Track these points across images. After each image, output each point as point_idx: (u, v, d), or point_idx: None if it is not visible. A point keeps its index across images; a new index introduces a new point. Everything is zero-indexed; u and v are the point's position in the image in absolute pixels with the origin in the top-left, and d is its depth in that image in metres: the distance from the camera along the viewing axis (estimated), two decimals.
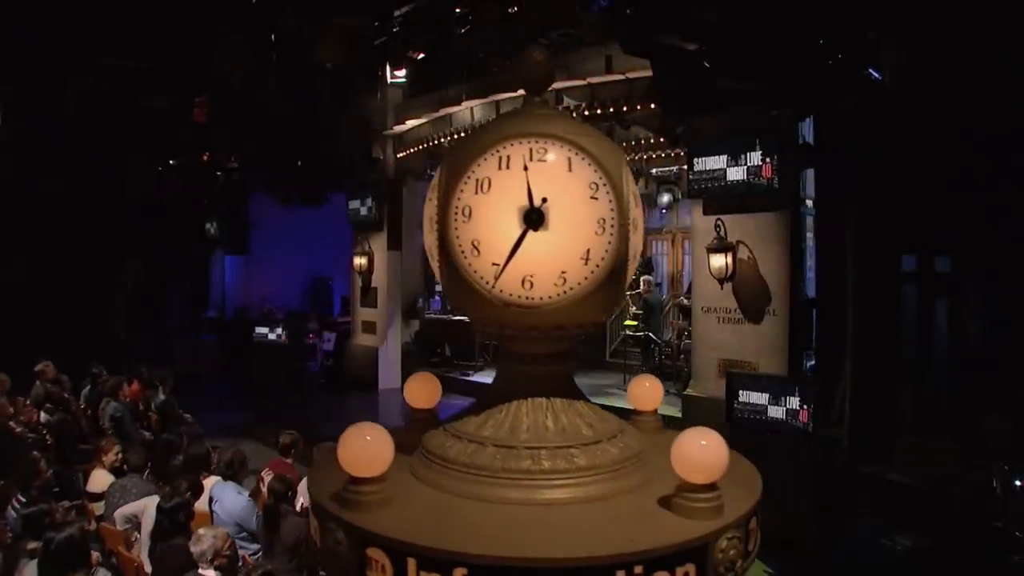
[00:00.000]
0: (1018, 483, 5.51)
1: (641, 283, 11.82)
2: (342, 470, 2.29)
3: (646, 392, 3.28)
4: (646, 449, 2.68)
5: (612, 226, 2.41)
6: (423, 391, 3.19)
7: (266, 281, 16.44)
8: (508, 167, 2.37)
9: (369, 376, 12.97)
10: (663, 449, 2.42)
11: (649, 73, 8.66)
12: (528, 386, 2.62)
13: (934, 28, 6.63)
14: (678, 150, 10.65)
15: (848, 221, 7.76)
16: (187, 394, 10.34)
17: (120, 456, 6.51)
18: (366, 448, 2.26)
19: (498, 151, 2.40)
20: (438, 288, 14.86)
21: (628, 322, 11.47)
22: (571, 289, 2.41)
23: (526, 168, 2.35)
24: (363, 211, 13.10)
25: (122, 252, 13.78)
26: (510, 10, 9.20)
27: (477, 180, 2.38)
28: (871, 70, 6.56)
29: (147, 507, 5.27)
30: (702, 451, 2.30)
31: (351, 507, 2.25)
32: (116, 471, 6.38)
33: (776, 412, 7.20)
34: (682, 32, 5.94)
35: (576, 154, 2.41)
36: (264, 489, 6.10)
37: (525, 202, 2.33)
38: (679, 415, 9.50)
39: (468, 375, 12.88)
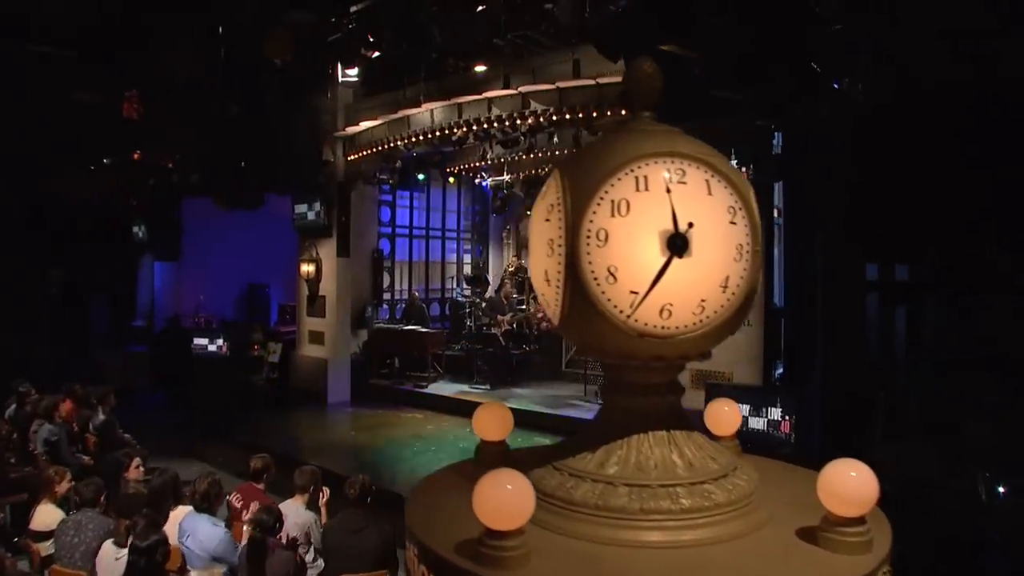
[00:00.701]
0: (1002, 490, 5.72)
1: None
2: (444, 513, 2.08)
3: (725, 416, 3.18)
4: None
5: (748, 252, 2.30)
6: (494, 422, 3.00)
7: (199, 288, 15.55)
8: (647, 188, 2.22)
9: (318, 389, 12.44)
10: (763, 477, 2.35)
11: (618, 79, 8.67)
12: (648, 419, 2.47)
13: (904, 46, 6.89)
14: None
15: (817, 231, 7.97)
16: (116, 411, 9.61)
17: (72, 487, 5.92)
18: (508, 499, 2.05)
19: (633, 171, 2.24)
20: (387, 296, 14.49)
21: None
22: (708, 318, 2.28)
23: (669, 190, 2.20)
24: (311, 216, 12.59)
25: (44, 259, 12.74)
26: (478, 8, 9.03)
27: (613, 202, 2.22)
28: (838, 83, 6.75)
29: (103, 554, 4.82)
30: (853, 483, 2.21)
31: (490, 564, 2.04)
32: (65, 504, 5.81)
33: (757, 423, 7.30)
34: (684, 40, 5.91)
35: (713, 176, 2.29)
36: (242, 519, 5.69)
37: (667, 226, 2.19)
38: None
39: (423, 387, 12.57)
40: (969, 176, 7.00)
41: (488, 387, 12.39)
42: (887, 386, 7.82)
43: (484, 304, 13.37)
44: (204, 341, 12.41)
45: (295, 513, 5.56)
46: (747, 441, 7.25)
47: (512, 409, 10.65)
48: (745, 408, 7.38)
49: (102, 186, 13.36)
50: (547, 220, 2.34)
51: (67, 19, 10.48)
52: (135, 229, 14.35)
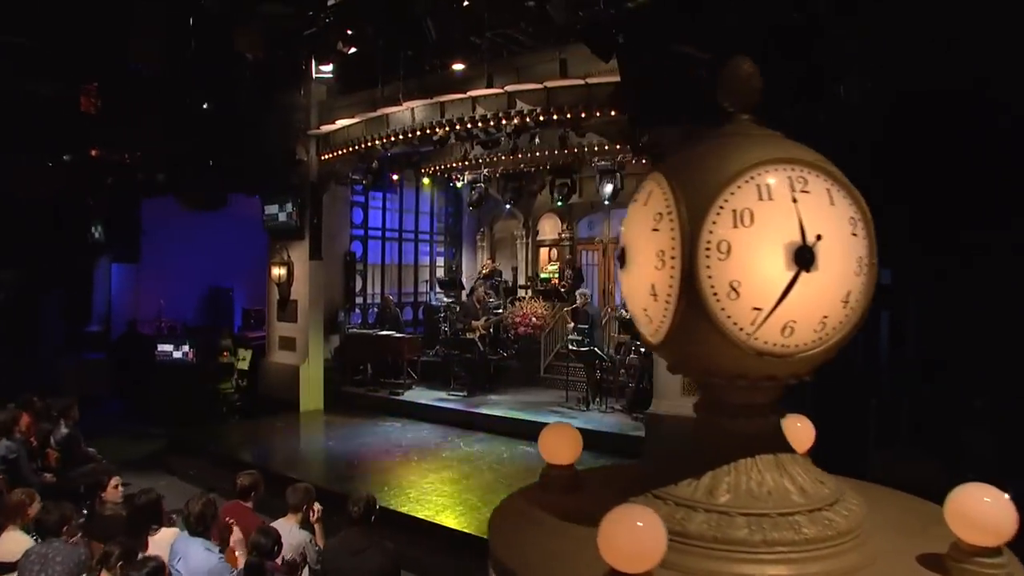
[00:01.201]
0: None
1: (578, 296, 11.73)
2: (543, 552, 1.88)
3: (797, 433, 3.03)
4: None
5: (867, 265, 2.16)
6: (564, 444, 2.81)
7: (159, 292, 14.90)
8: (771, 198, 2.06)
9: (289, 397, 12.03)
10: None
11: (609, 79, 8.60)
12: (754, 441, 2.30)
13: (898, 54, 6.95)
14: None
15: None
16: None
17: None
18: (639, 537, 1.86)
19: (753, 178, 2.08)
20: (359, 300, 14.13)
21: (572, 337, 11.31)
22: (827, 335, 2.13)
23: (795, 200, 2.05)
24: (282, 217, 12.17)
25: None
26: (464, 3, 8.82)
27: (735, 211, 2.05)
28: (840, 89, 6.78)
29: None
30: (989, 509, 2.07)
31: None
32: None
33: None
34: (699, 41, 5.82)
35: (833, 185, 2.14)
36: (231, 542, 5.36)
37: (794, 238, 2.03)
38: (637, 435, 9.49)
39: (398, 394, 12.27)
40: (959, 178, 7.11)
41: (465, 394, 12.15)
42: (878, 392, 7.89)
43: (458, 309, 13.14)
44: (169, 347, 11.87)
45: (289, 533, 5.27)
46: None
47: (493, 416, 10.51)
48: None
49: (56, 183, 12.69)
50: (656, 230, 2.16)
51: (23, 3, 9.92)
52: (92, 229, 13.66)
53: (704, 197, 2.08)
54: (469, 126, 9.75)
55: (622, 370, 11.48)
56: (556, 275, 14.69)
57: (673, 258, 2.10)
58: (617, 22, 7.34)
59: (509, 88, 9.27)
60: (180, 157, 11.36)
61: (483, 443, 10.13)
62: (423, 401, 11.91)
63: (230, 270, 16.19)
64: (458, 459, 9.40)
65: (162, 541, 5.14)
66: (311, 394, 12.15)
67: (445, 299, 14.54)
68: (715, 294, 2.05)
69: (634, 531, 1.86)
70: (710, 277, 2.05)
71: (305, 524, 5.50)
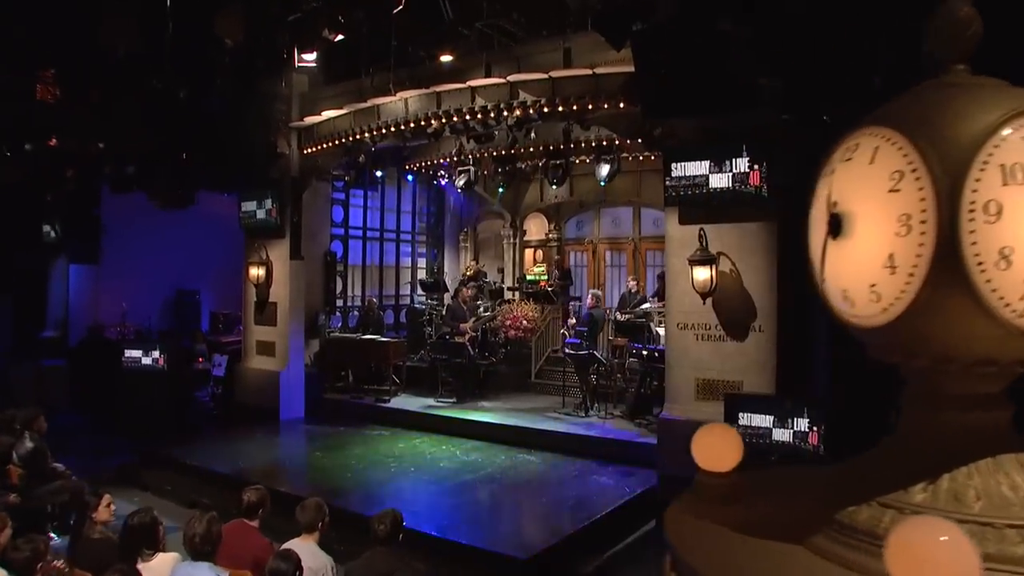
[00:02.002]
0: None
1: (590, 297, 11.31)
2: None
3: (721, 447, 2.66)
4: None
5: None
6: (722, 447, 2.37)
7: (121, 295, 14.00)
8: None
9: (268, 405, 11.32)
10: None
11: (619, 69, 8.22)
12: (990, 438, 1.88)
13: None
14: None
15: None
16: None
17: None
18: (951, 558, 1.42)
19: (1018, 129, 1.66)
20: (339, 303, 13.47)
21: (570, 340, 10.88)
22: None
23: None
24: (260, 214, 11.47)
25: None
26: None
27: (1003, 167, 1.63)
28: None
29: None
30: None
31: None
32: None
33: (782, 435, 6.91)
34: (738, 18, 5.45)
35: None
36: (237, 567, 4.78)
37: None
38: (644, 441, 9.11)
39: (385, 401, 11.67)
40: None
41: (454, 400, 11.62)
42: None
43: (444, 312, 12.59)
44: (137, 353, 11.05)
45: (311, 557, 4.70)
46: (771, 454, 6.93)
47: (488, 424, 9.91)
48: (768, 419, 7.00)
49: (9, 176, 11.76)
50: (895, 190, 1.72)
51: None
52: (46, 228, 12.71)
53: (962, 151, 1.65)
54: (468, 117, 9.24)
55: (618, 375, 11.07)
56: (543, 277, 14.25)
57: (923, 223, 1.66)
58: (638, 5, 6.97)
59: (512, 78, 8.81)
60: (152, 148, 10.57)
61: (480, 452, 9.61)
62: (412, 408, 11.32)
63: (197, 272, 15.39)
64: (456, 469, 8.87)
65: (159, 568, 4.53)
66: (292, 402, 11.47)
67: (429, 302, 13.98)
68: (980, 263, 1.62)
69: (944, 550, 1.42)
70: (975, 243, 1.62)
71: (323, 544, 4.94)
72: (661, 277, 12.96)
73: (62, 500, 7.02)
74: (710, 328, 8.09)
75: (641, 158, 12.69)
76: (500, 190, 14.12)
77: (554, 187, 12.91)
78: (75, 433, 10.77)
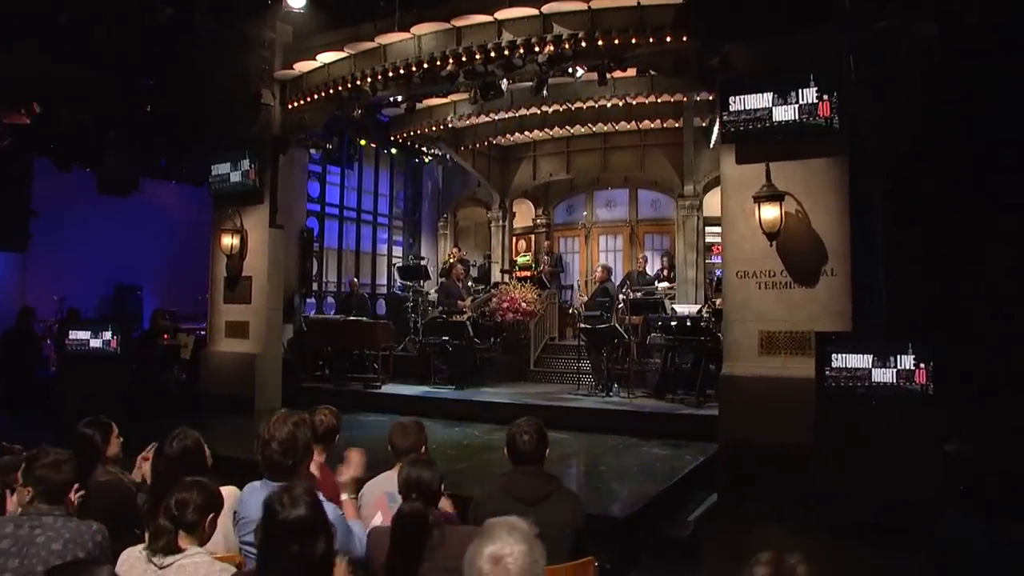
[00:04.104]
0: None
1: (599, 269, 10.45)
2: None
3: None
4: None
5: None
6: None
7: (52, 287, 12.22)
8: None
9: (241, 393, 9.83)
10: None
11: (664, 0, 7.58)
12: None
13: None
14: None
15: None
16: None
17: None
18: None
19: None
20: (314, 286, 12.12)
21: (588, 313, 9.96)
22: None
23: None
24: (235, 177, 10.11)
25: None
26: None
27: None
28: None
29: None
30: None
31: None
32: None
33: (884, 375, 6.17)
34: None
35: None
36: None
37: None
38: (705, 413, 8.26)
39: (376, 388, 10.39)
40: None
41: (453, 387, 10.46)
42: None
43: (438, 291, 11.45)
44: (85, 335, 9.37)
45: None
46: (871, 398, 6.19)
47: (501, 404, 8.68)
48: (867, 359, 6.26)
49: None
50: None
51: None
52: None
53: None
54: (493, 54, 8.32)
55: (631, 355, 10.16)
56: (531, 266, 13.34)
57: None
58: None
59: (546, 8, 7.97)
60: (113, 95, 9.15)
61: (501, 432, 8.45)
62: (411, 393, 10.09)
63: (139, 265, 13.82)
64: (484, 447, 7.75)
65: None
66: (268, 389, 10.03)
67: (407, 289, 12.80)
68: None
69: None
70: None
71: None
72: (667, 255, 12.35)
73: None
74: (774, 275, 7.35)
75: (644, 131, 12.11)
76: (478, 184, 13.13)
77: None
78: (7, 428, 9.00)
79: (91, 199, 12.96)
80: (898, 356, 6.12)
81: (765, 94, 7.27)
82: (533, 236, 14.08)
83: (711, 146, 11.75)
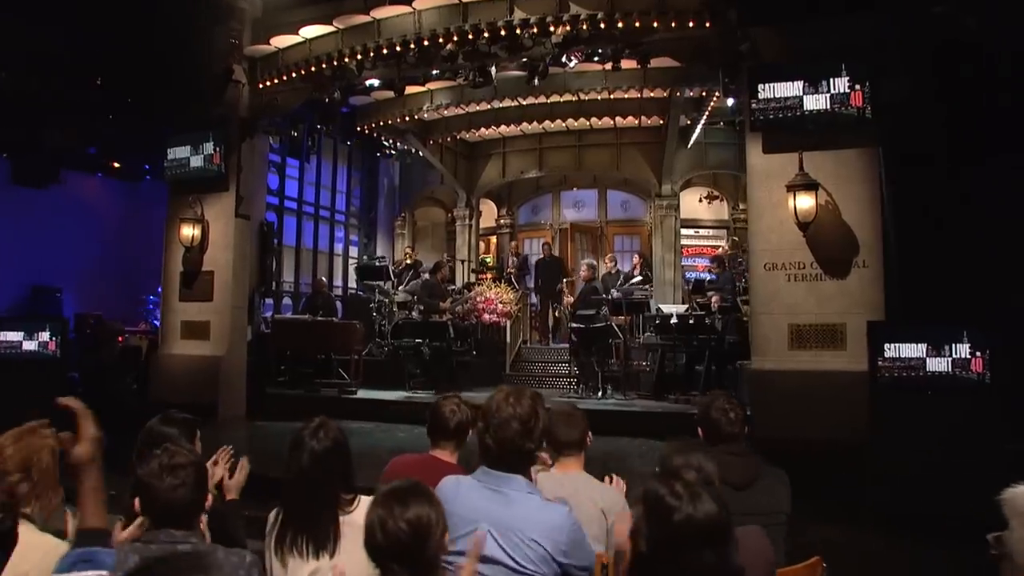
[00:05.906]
0: None
1: (583, 267, 10.04)
2: None
3: None
4: None
5: None
6: None
7: None
8: None
9: (201, 400, 8.64)
10: None
11: None
12: None
13: None
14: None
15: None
16: None
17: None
18: None
19: None
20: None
21: (581, 312, 9.51)
22: None
23: None
24: (196, 161, 9.04)
25: None
26: None
27: None
28: None
29: None
30: None
31: None
32: None
33: (939, 364, 6.07)
34: None
35: None
36: None
37: None
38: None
39: (352, 393, 9.53)
40: None
41: (433, 391, 9.73)
42: None
43: (419, 289, 10.70)
44: (17, 336, 8.03)
45: (593, 489, 3.09)
46: (927, 388, 6.07)
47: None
48: (921, 348, 6.15)
49: None
50: None
51: None
52: None
53: None
54: (503, 32, 7.80)
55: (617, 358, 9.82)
56: (494, 269, 12.81)
57: None
58: None
59: None
60: (48, 65, 7.94)
61: None
62: (389, 398, 9.31)
63: (58, 266, 12.32)
64: None
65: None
66: (232, 395, 8.97)
67: (375, 290, 11.95)
68: None
69: None
70: None
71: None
72: (641, 256, 12.12)
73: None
74: (804, 267, 7.20)
75: (620, 129, 11.90)
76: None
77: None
78: None
79: (5, 193, 11.54)
80: (953, 344, 6.03)
81: (796, 82, 7.15)
82: (495, 237, 13.55)
83: (688, 146, 11.72)
